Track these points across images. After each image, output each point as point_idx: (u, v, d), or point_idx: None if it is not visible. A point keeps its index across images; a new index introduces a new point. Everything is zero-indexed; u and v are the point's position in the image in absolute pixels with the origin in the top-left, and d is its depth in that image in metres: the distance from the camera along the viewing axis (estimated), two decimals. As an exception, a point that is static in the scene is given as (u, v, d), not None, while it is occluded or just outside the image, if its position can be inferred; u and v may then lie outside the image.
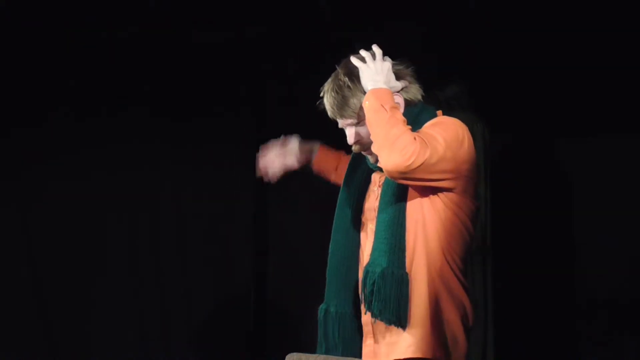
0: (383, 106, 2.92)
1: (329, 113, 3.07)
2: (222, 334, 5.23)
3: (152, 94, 5.24)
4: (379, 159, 2.94)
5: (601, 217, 4.82)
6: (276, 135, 3.58)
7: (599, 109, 4.81)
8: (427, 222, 2.97)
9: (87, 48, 5.16)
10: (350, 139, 3.07)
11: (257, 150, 5.20)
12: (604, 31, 4.69)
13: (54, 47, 5.16)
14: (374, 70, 2.99)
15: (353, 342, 3.09)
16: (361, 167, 3.16)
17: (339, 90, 3.02)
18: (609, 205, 4.82)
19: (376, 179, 3.11)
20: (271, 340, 5.20)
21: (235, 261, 5.28)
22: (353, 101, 3.01)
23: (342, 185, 3.21)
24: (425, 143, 2.88)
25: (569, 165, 4.98)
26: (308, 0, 4.96)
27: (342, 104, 3.02)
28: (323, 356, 3.00)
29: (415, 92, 3.10)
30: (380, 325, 2.99)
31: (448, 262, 2.98)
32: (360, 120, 3.02)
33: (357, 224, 3.13)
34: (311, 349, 3.17)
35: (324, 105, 3.08)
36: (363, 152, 3.11)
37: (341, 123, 3.08)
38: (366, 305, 2.96)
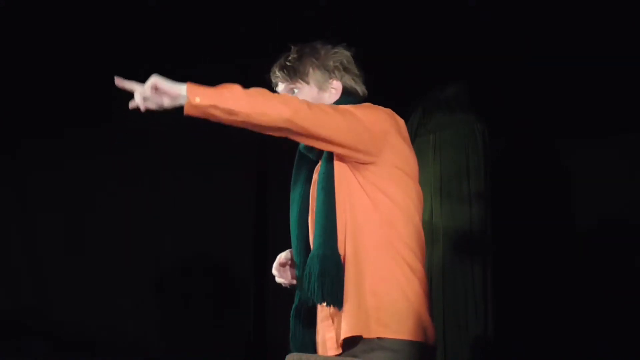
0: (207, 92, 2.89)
1: (279, 72, 3.08)
2: (222, 334, 5.23)
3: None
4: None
5: (601, 217, 4.83)
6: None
7: (599, 108, 4.82)
8: (354, 200, 2.90)
9: (83, 53, 5.17)
10: None
11: (257, 151, 5.25)
12: (604, 31, 4.70)
13: (53, 46, 5.17)
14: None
15: (310, 333, 3.06)
16: (304, 166, 3.10)
17: (309, 52, 3.05)
18: (609, 205, 4.82)
19: (316, 177, 3.03)
20: (271, 340, 5.20)
21: (235, 262, 5.28)
22: (308, 68, 3.04)
23: (290, 190, 3.14)
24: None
25: (569, 165, 4.98)
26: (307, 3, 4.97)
27: (299, 66, 3.04)
28: (323, 356, 3.00)
29: (353, 83, 3.07)
30: (335, 315, 2.94)
31: (385, 239, 2.89)
32: (297, 87, 3.05)
33: (306, 224, 3.07)
34: (311, 349, 3.17)
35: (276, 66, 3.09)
36: None
37: (282, 87, 3.08)
38: (304, 289, 2.90)
